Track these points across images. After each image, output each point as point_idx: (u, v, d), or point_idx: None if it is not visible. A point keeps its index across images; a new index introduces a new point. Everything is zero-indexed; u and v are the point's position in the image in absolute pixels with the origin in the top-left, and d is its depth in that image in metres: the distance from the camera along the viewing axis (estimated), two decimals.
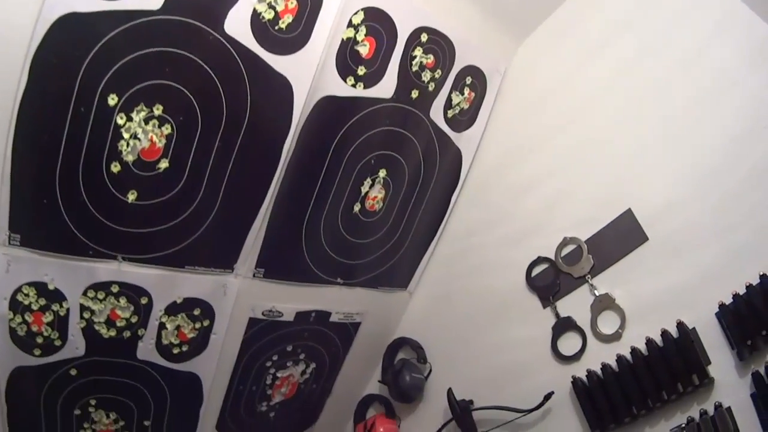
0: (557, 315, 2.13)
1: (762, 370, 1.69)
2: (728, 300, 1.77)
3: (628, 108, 2.06)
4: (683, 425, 1.79)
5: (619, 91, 2.08)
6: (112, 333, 1.76)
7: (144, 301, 1.78)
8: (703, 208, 1.88)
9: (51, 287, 1.61)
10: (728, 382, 1.77)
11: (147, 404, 1.96)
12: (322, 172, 1.96)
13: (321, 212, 2.03)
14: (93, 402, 1.85)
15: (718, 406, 1.75)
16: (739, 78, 1.86)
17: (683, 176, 1.93)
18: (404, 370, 2.37)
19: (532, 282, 2.20)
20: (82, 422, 1.87)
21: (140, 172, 1.60)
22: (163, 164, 1.63)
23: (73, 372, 1.75)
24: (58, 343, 1.68)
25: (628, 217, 2.02)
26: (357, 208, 2.11)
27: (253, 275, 1.98)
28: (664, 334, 1.86)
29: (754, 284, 1.73)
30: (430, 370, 2.41)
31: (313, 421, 2.54)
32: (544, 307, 2.17)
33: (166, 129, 1.59)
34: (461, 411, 2.19)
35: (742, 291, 1.75)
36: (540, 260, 2.19)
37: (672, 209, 1.94)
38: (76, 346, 1.71)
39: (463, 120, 2.26)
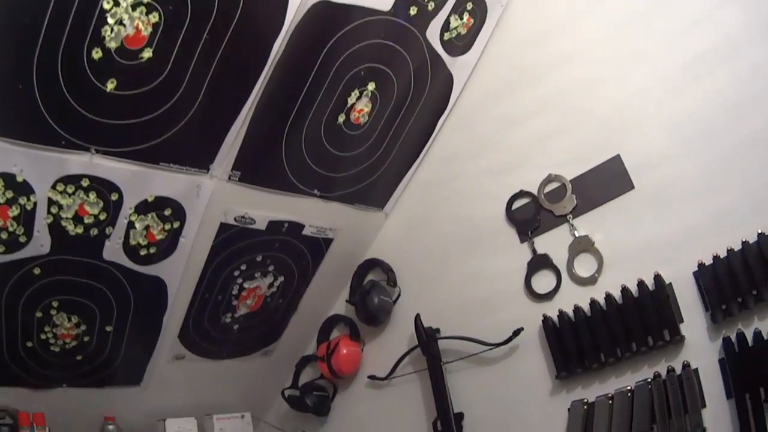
0: (534, 251, 2.12)
1: (733, 337, 1.71)
2: (708, 261, 1.77)
3: (630, 56, 2.01)
4: (649, 379, 1.82)
5: (622, 38, 2.02)
6: (79, 230, 1.71)
7: (114, 197, 1.72)
8: (694, 166, 1.86)
9: (19, 179, 1.54)
10: (698, 343, 1.80)
11: (110, 308, 1.93)
12: (309, 77, 1.87)
13: (304, 119, 1.96)
14: (55, 304, 1.81)
15: (685, 366, 1.77)
16: (745, 46, 1.82)
17: (678, 131, 1.90)
18: (373, 291, 2.35)
19: (511, 215, 2.18)
20: (44, 325, 1.83)
21: (122, 60, 1.50)
22: (147, 54, 1.53)
23: (37, 271, 1.70)
24: (23, 239, 1.62)
25: (616, 162, 1.99)
26: (341, 119, 2.04)
27: (229, 177, 1.93)
28: (641, 284, 1.87)
29: (735, 250, 1.73)
30: (399, 294, 2.40)
31: (276, 336, 2.53)
32: (522, 241, 2.15)
33: (154, 17, 1.49)
34: (427, 338, 2.19)
35: (723, 254, 1.75)
36: (522, 194, 2.17)
37: (662, 162, 1.91)
38: (41, 243, 1.66)
39: (459, 45, 2.19)
